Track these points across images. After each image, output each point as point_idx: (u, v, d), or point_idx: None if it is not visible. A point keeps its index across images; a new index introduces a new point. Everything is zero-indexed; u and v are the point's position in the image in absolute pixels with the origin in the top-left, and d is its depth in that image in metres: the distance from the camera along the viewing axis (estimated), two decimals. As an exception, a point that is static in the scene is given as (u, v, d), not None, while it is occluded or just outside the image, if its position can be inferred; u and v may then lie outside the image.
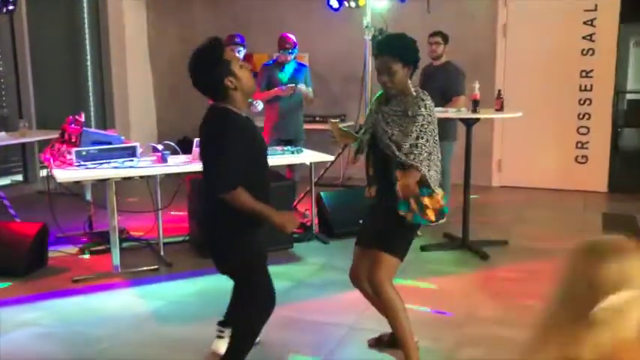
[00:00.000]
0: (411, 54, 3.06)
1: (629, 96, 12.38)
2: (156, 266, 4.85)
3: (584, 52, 7.10)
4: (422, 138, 3.00)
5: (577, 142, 7.26)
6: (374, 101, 3.29)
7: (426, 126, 3.01)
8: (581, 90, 7.16)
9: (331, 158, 5.49)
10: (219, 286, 4.49)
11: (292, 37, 6.18)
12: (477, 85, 4.99)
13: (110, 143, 5.01)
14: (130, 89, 8.82)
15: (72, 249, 5.28)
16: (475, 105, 4.95)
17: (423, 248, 5.24)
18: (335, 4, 6.22)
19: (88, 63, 8.61)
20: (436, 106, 5.34)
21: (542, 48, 7.19)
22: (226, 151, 2.75)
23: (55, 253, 5.11)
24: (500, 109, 5.15)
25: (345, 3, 6.11)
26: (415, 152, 2.99)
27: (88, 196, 5.65)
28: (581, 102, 7.18)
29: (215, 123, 2.85)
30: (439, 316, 3.99)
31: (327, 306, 4.18)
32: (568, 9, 7.04)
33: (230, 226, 2.84)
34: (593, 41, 7.04)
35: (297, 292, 4.40)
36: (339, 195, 5.91)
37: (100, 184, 4.72)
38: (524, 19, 7.24)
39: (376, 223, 3.22)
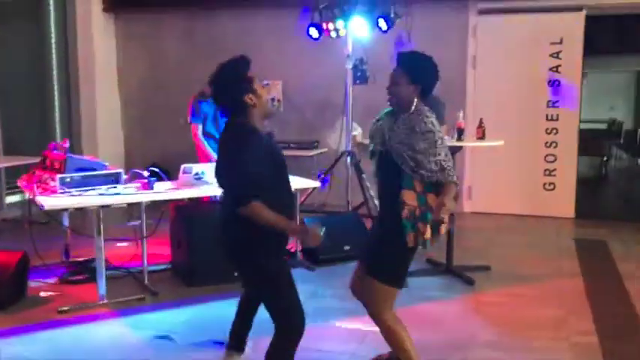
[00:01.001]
0: (422, 74, 3.09)
1: (581, 125, 12.85)
2: (142, 295, 4.74)
3: (551, 82, 7.37)
4: (440, 154, 3.01)
5: (545, 170, 7.49)
6: (384, 116, 3.27)
7: (439, 142, 3.03)
8: (547, 119, 7.43)
9: (317, 184, 5.52)
10: (209, 314, 4.47)
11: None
12: (461, 114, 5.13)
13: (94, 170, 4.90)
14: (98, 115, 8.67)
15: (50, 279, 5.11)
16: (460, 133, 5.07)
17: (409, 274, 5.27)
18: (315, 33, 6.30)
19: (55, 89, 8.44)
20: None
21: (510, 78, 7.44)
22: (244, 165, 2.78)
23: (32, 283, 4.93)
24: (482, 137, 5.29)
25: (326, 33, 6.18)
26: (446, 167, 3.00)
27: (66, 223, 5.50)
28: (548, 131, 7.43)
29: (235, 138, 2.88)
30: (435, 341, 4.01)
31: (325, 334, 4.15)
32: (535, 41, 7.32)
33: (255, 240, 2.86)
34: (559, 72, 7.33)
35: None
36: (323, 221, 5.91)
37: (77, 210, 4.60)
38: (492, 51, 7.49)
39: (374, 243, 3.23)
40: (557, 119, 7.40)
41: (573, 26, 7.20)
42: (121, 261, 5.40)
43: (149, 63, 8.91)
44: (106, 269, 5.08)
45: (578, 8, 7.17)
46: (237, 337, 3.45)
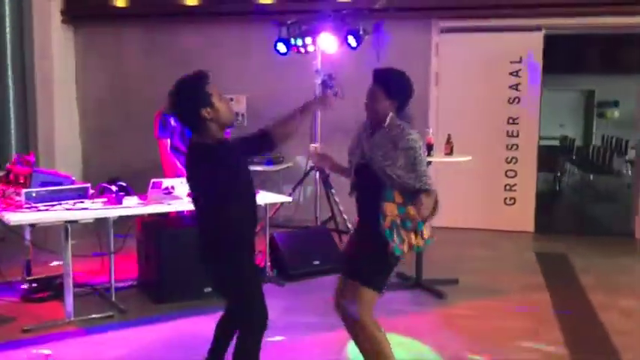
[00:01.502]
0: (397, 90, 3.21)
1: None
2: (110, 313, 4.62)
3: (511, 100, 7.57)
4: (420, 170, 3.10)
5: (505, 185, 7.67)
6: (361, 127, 3.38)
7: (419, 158, 3.11)
8: (508, 136, 7.61)
9: (288, 199, 5.51)
10: (182, 331, 4.38)
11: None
12: (430, 130, 5.21)
13: (61, 184, 4.78)
14: (55, 128, 8.47)
15: (11, 296, 4.94)
16: (429, 149, 5.15)
17: (379, 288, 5.31)
18: (282, 49, 6.31)
19: (11, 101, 8.20)
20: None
21: (471, 96, 7.60)
22: (225, 175, 2.92)
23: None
24: (450, 153, 5.39)
25: (295, 49, 6.20)
26: (423, 177, 3.10)
27: (28, 238, 5.32)
28: (509, 147, 7.62)
29: (203, 161, 2.96)
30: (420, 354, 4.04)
31: (302, 348, 4.14)
32: (495, 60, 7.51)
33: (229, 253, 3.01)
34: (519, 90, 7.54)
35: (267, 334, 4.31)
36: (293, 236, 5.91)
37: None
38: (455, 69, 7.65)
39: (356, 252, 3.27)
40: (517, 135, 7.59)
41: (532, 45, 7.43)
42: (85, 278, 5.26)
43: (109, 76, 8.76)
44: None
45: (538, 28, 7.41)
46: (215, 357, 3.39)
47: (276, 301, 5.05)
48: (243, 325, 3.11)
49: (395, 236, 3.07)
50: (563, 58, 12.27)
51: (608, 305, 4.97)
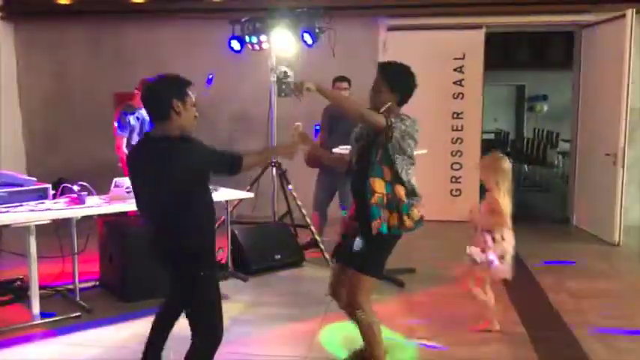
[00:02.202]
0: (398, 83, 3.40)
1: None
2: (77, 313, 4.59)
3: (455, 95, 7.89)
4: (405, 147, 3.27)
5: (451, 177, 7.99)
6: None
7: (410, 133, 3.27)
8: (453, 130, 7.93)
9: (250, 195, 5.59)
10: (149, 328, 4.40)
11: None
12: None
13: (21, 185, 4.70)
14: (-3, 129, 8.24)
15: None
16: (387, 143, 5.33)
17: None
18: (237, 46, 6.36)
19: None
20: (341, 144, 5.74)
21: (418, 91, 7.80)
22: (206, 147, 3.00)
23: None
24: (406, 146, 5.59)
25: (249, 46, 6.26)
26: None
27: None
28: (454, 141, 7.94)
29: (168, 155, 2.92)
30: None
31: (273, 340, 4.25)
32: (440, 56, 7.80)
33: (188, 247, 3.00)
34: (463, 86, 7.86)
35: (236, 329, 4.38)
36: (253, 231, 5.99)
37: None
38: (401, 65, 7.87)
39: (352, 241, 3.38)
40: (461, 129, 7.92)
41: (474, 43, 7.76)
42: (44, 279, 5.17)
43: (53, 74, 8.57)
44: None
45: (479, 26, 7.75)
46: (154, 354, 3.43)
47: (243, 296, 5.16)
48: (202, 342, 3.07)
49: (382, 213, 3.20)
50: (495, 54, 12.78)
51: (557, 287, 5.30)
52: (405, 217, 3.28)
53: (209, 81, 6.44)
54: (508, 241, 4.16)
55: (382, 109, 3.34)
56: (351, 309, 3.41)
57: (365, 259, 3.32)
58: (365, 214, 3.26)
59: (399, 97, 3.40)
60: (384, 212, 3.24)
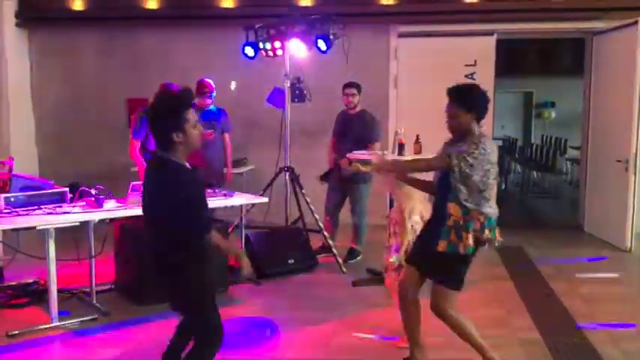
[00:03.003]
0: (472, 102, 3.53)
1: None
2: (94, 316, 4.63)
3: (466, 102, 7.89)
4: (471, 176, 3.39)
5: (462, 183, 7.98)
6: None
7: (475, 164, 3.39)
8: (464, 136, 7.94)
9: (264, 200, 5.63)
10: (170, 330, 4.42)
11: (210, 82, 6.31)
12: (402, 131, 5.45)
13: (40, 188, 4.77)
14: (11, 133, 8.30)
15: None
16: (401, 148, 5.38)
17: (355, 283, 5.52)
18: (250, 52, 6.41)
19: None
20: (351, 150, 5.78)
21: (428, 98, 7.83)
22: (189, 199, 2.98)
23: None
24: (419, 152, 5.63)
25: (262, 52, 6.31)
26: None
27: (-1, 244, 5.25)
28: (464, 146, 7.95)
29: (167, 175, 3.02)
30: (392, 344, 4.24)
31: (290, 344, 4.28)
32: (450, 63, 7.82)
33: (182, 264, 3.06)
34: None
35: (253, 332, 4.43)
36: (267, 236, 6.03)
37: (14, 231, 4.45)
38: (412, 72, 7.93)
39: (430, 252, 3.50)
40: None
41: (486, 49, 7.79)
42: (62, 282, 5.22)
43: (66, 80, 8.64)
44: (45, 291, 4.94)
45: (490, 33, 7.78)
46: (173, 355, 3.45)
47: (258, 299, 5.20)
48: (201, 344, 3.16)
49: (451, 236, 3.38)
50: (503, 61, 12.81)
51: (570, 292, 5.32)
52: (476, 237, 3.42)
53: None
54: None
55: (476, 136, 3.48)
56: (437, 312, 3.60)
57: (449, 275, 3.53)
58: (437, 233, 3.45)
59: (475, 116, 3.54)
60: (457, 234, 3.40)
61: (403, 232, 4.58)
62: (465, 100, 3.54)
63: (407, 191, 4.34)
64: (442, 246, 3.42)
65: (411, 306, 3.69)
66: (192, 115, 3.01)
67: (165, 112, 2.98)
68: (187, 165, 3.10)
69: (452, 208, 3.42)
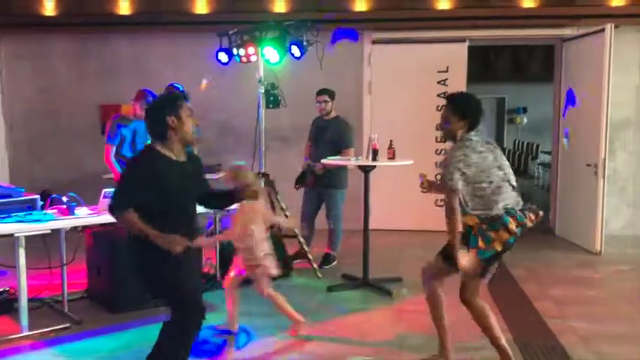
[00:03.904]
0: (467, 110, 3.66)
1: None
2: (66, 324, 4.57)
3: (439, 107, 7.95)
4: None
5: (436, 188, 8.06)
6: None
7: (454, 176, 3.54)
8: (437, 141, 8.03)
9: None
10: (142, 339, 4.39)
11: (180, 86, 6.28)
12: (375, 136, 5.49)
13: (10, 196, 4.70)
14: (-20, 140, 8.18)
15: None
16: (375, 154, 5.43)
17: (330, 289, 5.53)
18: (224, 58, 6.40)
19: None
20: (325, 156, 5.81)
21: (402, 103, 7.97)
22: (124, 179, 3.23)
23: None
24: (393, 157, 5.68)
25: (236, 58, 6.31)
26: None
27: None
28: (438, 152, 8.04)
29: (133, 158, 3.36)
30: (367, 349, 4.26)
31: (266, 349, 4.27)
32: (424, 69, 7.92)
33: (149, 250, 3.16)
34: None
35: (229, 338, 4.42)
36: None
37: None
38: (386, 78, 7.99)
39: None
40: (445, 141, 7.99)
41: (458, 56, 7.89)
42: (33, 291, 5.14)
43: (37, 85, 8.54)
44: (15, 300, 4.86)
45: (462, 40, 7.89)
46: None
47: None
48: (178, 319, 3.26)
49: (479, 242, 3.53)
50: (475, 67, 12.98)
51: (541, 295, 5.40)
52: (496, 236, 3.58)
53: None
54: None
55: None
56: (463, 303, 3.85)
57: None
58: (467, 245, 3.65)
59: (469, 123, 3.66)
60: (484, 239, 3.57)
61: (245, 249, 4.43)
62: (460, 108, 3.68)
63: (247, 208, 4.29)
64: (475, 254, 3.58)
65: (433, 297, 3.93)
66: (186, 105, 3.18)
67: (161, 99, 3.24)
68: (173, 156, 3.18)
69: (469, 219, 3.58)
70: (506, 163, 3.77)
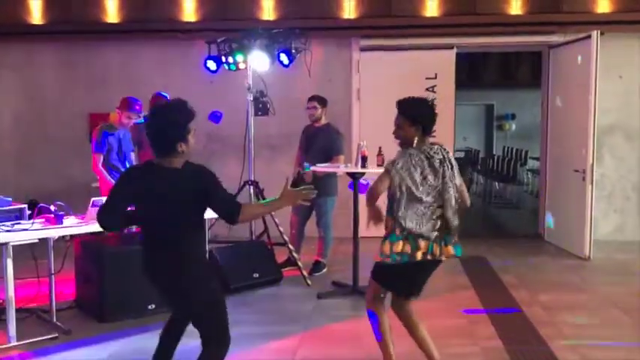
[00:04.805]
0: (417, 115, 3.65)
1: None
2: (54, 334, 4.54)
3: (428, 114, 8.01)
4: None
5: (425, 194, 8.08)
6: None
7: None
8: (426, 148, 8.04)
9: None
10: (130, 348, 4.39)
11: (166, 95, 6.28)
12: (364, 143, 5.50)
13: (-3, 206, 4.66)
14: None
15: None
16: (364, 161, 5.43)
17: (320, 296, 5.52)
18: (212, 66, 6.40)
19: None
20: (317, 163, 5.81)
21: (391, 110, 7.89)
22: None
23: None
24: (382, 164, 5.67)
25: (225, 66, 6.31)
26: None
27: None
28: (427, 158, 8.05)
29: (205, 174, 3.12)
30: (355, 356, 4.26)
31: (255, 357, 4.25)
32: (412, 76, 7.93)
33: (197, 269, 3.12)
34: (435, 105, 7.97)
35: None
36: (231, 250, 6.00)
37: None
38: (374, 85, 8.01)
39: None
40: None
41: (446, 63, 7.93)
42: (20, 301, 5.10)
43: (24, 94, 8.51)
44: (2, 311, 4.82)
45: (450, 47, 7.93)
46: None
47: (222, 314, 5.15)
48: (213, 349, 3.16)
49: (384, 245, 3.55)
50: (464, 74, 13.06)
51: (530, 301, 5.41)
52: (394, 247, 3.53)
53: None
54: None
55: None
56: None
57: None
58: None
59: (421, 128, 3.63)
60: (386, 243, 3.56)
61: None
62: (412, 114, 3.65)
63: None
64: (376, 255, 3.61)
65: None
66: (193, 128, 3.11)
67: (172, 123, 3.04)
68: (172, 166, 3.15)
69: (387, 220, 3.59)
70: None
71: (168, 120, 3.05)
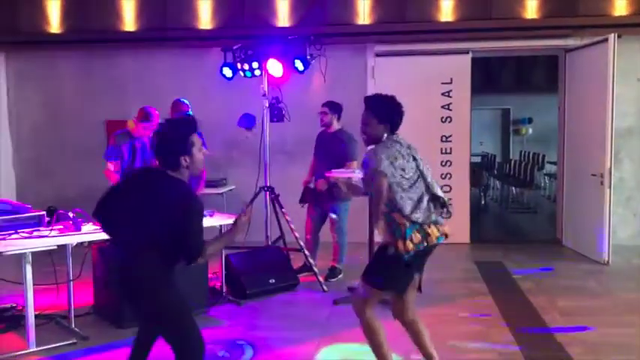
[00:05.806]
0: (388, 114, 3.62)
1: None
2: (73, 340, 4.58)
3: (444, 119, 8.01)
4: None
5: (441, 199, 8.06)
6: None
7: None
8: (442, 153, 8.04)
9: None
10: (153, 353, 4.38)
11: (185, 101, 6.32)
12: (379, 148, 5.48)
13: (17, 212, 4.72)
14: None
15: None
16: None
17: (336, 302, 5.52)
18: (228, 73, 6.45)
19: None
20: (330, 169, 5.82)
21: (406, 115, 7.88)
22: (197, 224, 3.04)
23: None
24: (397, 169, 5.67)
25: (240, 73, 6.35)
26: None
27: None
28: (443, 163, 8.05)
29: (176, 193, 3.05)
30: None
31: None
32: (427, 82, 7.94)
33: (157, 278, 3.08)
34: (451, 110, 7.99)
35: (234, 353, 4.41)
36: (247, 256, 6.02)
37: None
38: (389, 90, 7.89)
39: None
40: (450, 152, 8.03)
41: (461, 68, 7.92)
42: (39, 307, 5.16)
43: (43, 103, 8.62)
44: (22, 317, 4.86)
45: (465, 51, 7.91)
46: None
47: (241, 319, 5.18)
48: (182, 355, 3.14)
49: (406, 243, 3.47)
50: (479, 78, 13.00)
51: (549, 306, 5.37)
52: (405, 241, 3.45)
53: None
54: None
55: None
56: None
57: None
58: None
59: (389, 126, 3.63)
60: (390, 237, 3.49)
61: None
62: (379, 111, 3.65)
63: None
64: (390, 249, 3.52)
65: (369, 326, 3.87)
66: (197, 139, 3.14)
67: (173, 137, 3.09)
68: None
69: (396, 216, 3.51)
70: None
71: (170, 134, 3.12)
